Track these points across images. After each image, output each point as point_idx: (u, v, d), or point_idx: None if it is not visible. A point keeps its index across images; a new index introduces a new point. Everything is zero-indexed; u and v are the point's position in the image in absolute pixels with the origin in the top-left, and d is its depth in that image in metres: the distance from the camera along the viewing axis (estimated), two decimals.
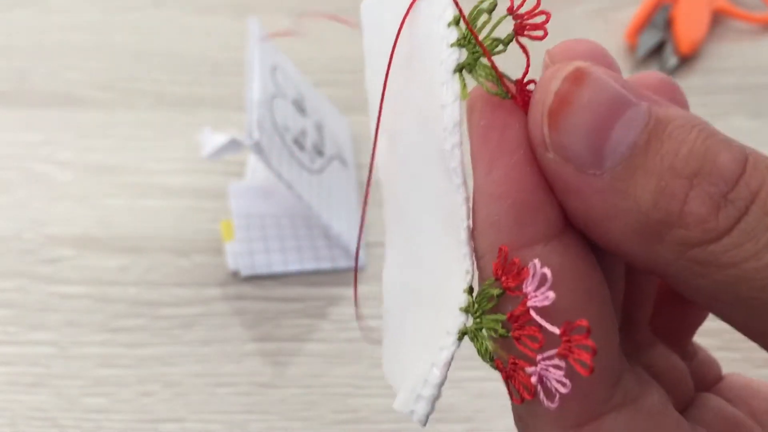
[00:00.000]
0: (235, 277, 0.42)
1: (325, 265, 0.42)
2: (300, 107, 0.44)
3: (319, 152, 0.43)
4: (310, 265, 0.42)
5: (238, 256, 0.42)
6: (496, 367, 0.17)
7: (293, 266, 0.42)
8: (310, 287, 0.42)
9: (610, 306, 0.17)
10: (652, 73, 0.19)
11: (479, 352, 0.17)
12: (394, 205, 0.21)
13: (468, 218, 0.17)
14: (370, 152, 0.21)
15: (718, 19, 0.55)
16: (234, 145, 0.40)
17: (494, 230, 0.17)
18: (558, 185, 0.17)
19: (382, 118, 0.20)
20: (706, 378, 0.23)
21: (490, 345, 0.17)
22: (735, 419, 0.21)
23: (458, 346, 0.17)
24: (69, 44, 0.53)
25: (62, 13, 0.55)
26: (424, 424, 0.17)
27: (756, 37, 0.54)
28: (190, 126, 0.48)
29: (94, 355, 0.39)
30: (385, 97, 0.20)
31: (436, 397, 0.17)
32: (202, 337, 0.40)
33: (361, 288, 0.42)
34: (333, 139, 0.45)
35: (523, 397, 0.16)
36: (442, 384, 0.17)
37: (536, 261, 0.16)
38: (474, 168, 0.17)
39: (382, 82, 0.20)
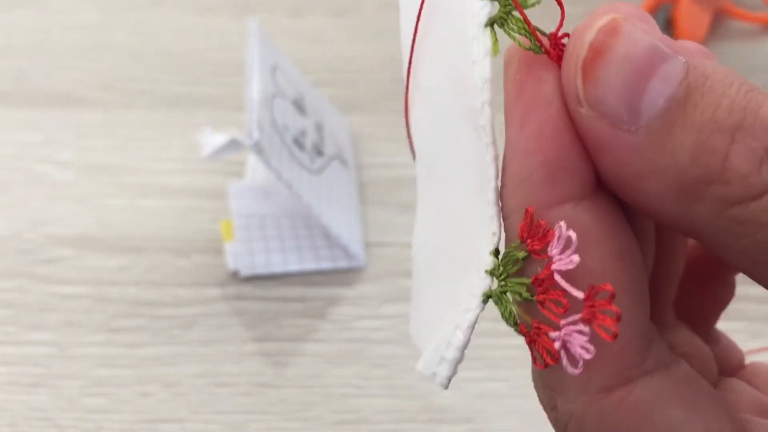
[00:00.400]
0: (235, 277, 0.42)
1: (325, 265, 0.42)
2: (300, 107, 0.44)
3: (319, 152, 0.43)
4: (310, 265, 0.42)
5: (238, 256, 0.42)
6: (520, 332, 0.16)
7: (293, 266, 0.42)
8: (310, 287, 0.42)
9: (642, 269, 0.17)
10: (687, 41, 0.18)
11: (503, 315, 0.16)
12: (426, 164, 0.20)
13: (496, 178, 0.17)
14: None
15: (718, 19, 0.55)
16: (234, 145, 0.40)
17: (524, 188, 0.16)
18: (591, 142, 0.16)
19: (415, 76, 0.20)
20: (730, 364, 0.22)
21: (514, 308, 0.16)
22: (761, 403, 0.20)
23: (482, 308, 0.17)
24: (68, 44, 0.53)
25: (62, 13, 0.55)
26: (446, 387, 0.17)
27: (756, 37, 0.54)
28: (190, 126, 0.48)
29: (94, 355, 0.39)
30: (416, 53, 0.19)
31: (459, 360, 0.17)
32: (202, 337, 0.40)
33: (361, 288, 0.42)
34: (333, 139, 0.45)
35: (546, 362, 0.16)
36: (465, 347, 0.17)
37: (562, 223, 0.15)
38: (506, 123, 0.17)
39: (411, 37, 0.19)
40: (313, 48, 0.53)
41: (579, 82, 0.16)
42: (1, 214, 0.44)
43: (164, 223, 0.44)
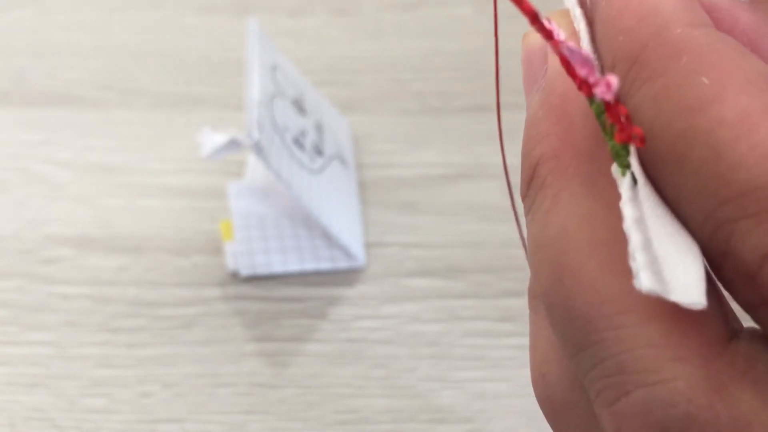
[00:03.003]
0: (235, 277, 0.42)
1: (325, 265, 0.42)
2: (300, 107, 0.43)
3: (319, 152, 0.43)
4: (310, 265, 0.42)
5: (237, 256, 0.41)
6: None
7: (293, 266, 0.42)
8: (310, 287, 0.41)
9: None
10: None
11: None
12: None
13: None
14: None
15: None
16: (234, 145, 0.40)
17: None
18: None
19: None
20: None
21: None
22: None
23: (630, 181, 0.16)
24: (68, 44, 0.53)
25: (61, 13, 0.55)
26: (644, 287, 0.14)
27: None
28: (189, 126, 0.48)
29: (93, 355, 0.39)
30: None
31: (638, 245, 0.15)
32: (202, 337, 0.40)
33: (361, 288, 0.42)
34: (333, 139, 0.45)
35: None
36: (632, 220, 0.15)
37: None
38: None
39: None
40: (313, 48, 0.53)
41: None
42: None
43: (164, 222, 0.44)
